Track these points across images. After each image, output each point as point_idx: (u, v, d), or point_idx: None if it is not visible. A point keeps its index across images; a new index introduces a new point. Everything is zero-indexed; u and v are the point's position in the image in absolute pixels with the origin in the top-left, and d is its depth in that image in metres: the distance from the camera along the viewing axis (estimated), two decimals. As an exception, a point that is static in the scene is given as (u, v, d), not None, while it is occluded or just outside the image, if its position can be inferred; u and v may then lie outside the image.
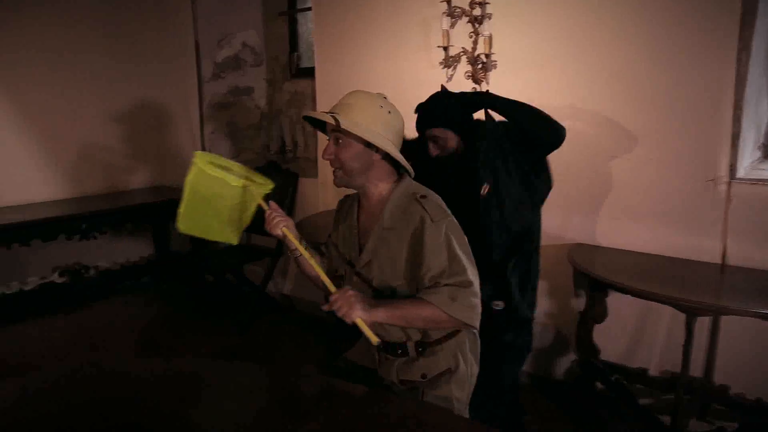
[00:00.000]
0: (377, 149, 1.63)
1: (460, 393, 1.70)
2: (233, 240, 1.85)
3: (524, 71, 3.01)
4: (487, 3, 2.94)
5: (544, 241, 3.04)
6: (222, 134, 4.91)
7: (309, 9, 4.56)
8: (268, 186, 1.80)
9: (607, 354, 2.94)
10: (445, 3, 3.04)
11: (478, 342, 1.79)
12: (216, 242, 4.64)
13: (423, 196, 1.63)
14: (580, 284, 2.97)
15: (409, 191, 1.66)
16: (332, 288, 1.58)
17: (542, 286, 3.07)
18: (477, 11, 3.00)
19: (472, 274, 1.58)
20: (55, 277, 4.39)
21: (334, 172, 1.67)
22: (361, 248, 1.71)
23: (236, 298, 4.42)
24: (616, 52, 2.80)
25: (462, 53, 3.10)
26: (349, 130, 1.57)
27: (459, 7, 3.05)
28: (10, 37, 4.04)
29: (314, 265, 1.68)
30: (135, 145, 4.83)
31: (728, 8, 2.45)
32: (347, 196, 1.88)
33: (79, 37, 4.40)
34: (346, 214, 1.81)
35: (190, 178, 1.76)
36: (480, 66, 3.05)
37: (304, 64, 4.74)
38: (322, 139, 3.99)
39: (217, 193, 1.77)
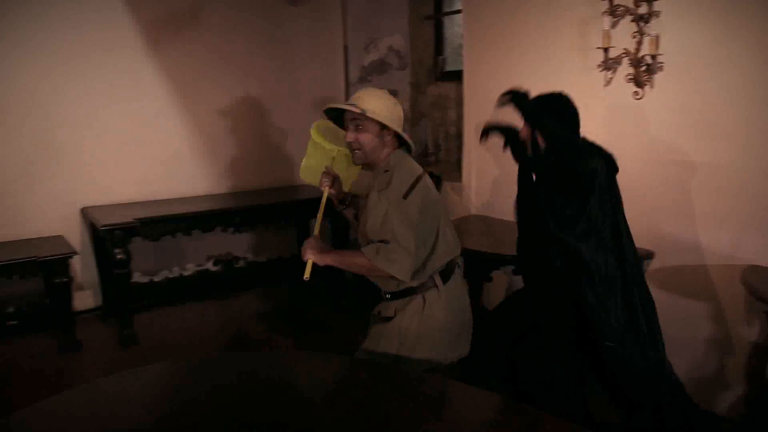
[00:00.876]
0: (388, 130, 2.04)
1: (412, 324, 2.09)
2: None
3: (695, 73, 2.75)
4: (655, 0, 2.74)
5: (710, 260, 2.79)
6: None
7: (455, 12, 4.55)
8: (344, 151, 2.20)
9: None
10: (606, 1, 2.89)
11: (433, 305, 2.08)
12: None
13: (386, 171, 2.03)
14: (753, 310, 2.67)
15: (391, 162, 2.05)
16: (316, 232, 2.11)
17: (705, 308, 2.82)
18: (643, 9, 2.82)
19: (400, 238, 1.93)
20: (210, 265, 4.74)
21: (353, 152, 2.07)
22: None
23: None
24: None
25: (624, 54, 2.93)
26: (372, 117, 1.99)
27: (622, 5, 2.88)
28: (184, 44, 4.42)
29: (319, 217, 2.14)
30: (286, 144, 5.07)
31: None
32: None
33: (245, 42, 4.70)
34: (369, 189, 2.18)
35: (310, 141, 2.30)
36: (644, 68, 2.87)
37: (449, 67, 4.74)
38: (469, 142, 3.95)
39: (324, 153, 2.27)
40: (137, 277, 4.39)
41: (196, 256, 4.70)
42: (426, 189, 2.04)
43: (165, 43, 4.36)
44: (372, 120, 2.01)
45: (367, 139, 2.03)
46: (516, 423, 1.49)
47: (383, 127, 2.03)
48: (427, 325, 2.07)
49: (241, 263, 4.86)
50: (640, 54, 2.86)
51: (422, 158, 4.73)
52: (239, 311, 4.37)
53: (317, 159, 2.31)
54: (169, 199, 4.41)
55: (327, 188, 2.17)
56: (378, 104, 2.03)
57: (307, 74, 5.07)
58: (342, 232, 4.57)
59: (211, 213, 4.15)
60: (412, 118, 5.00)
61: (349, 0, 4.81)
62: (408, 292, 2.08)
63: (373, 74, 5.00)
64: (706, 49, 2.71)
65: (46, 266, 3.51)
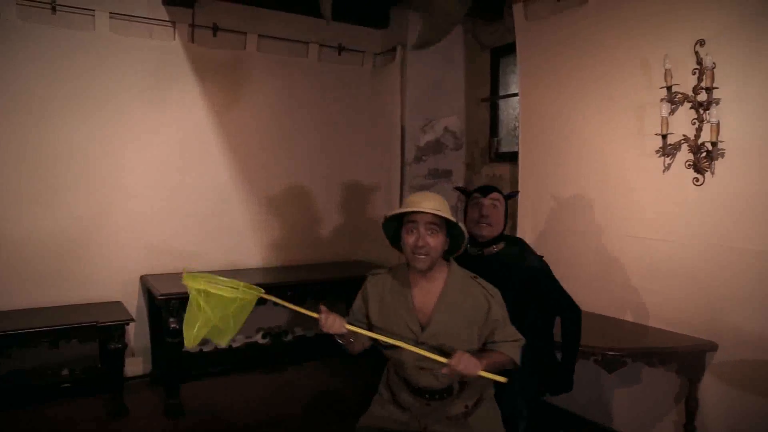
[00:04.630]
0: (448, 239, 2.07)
1: (491, 414, 2.20)
2: (223, 343, 2.17)
3: (757, 161, 2.68)
4: (715, 88, 2.73)
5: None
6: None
7: (511, 96, 4.62)
8: (260, 291, 2.11)
9: None
10: (664, 89, 2.89)
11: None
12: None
13: (474, 277, 2.12)
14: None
15: (461, 272, 2.13)
16: (422, 352, 1.94)
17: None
18: (702, 96, 2.80)
19: (515, 332, 2.10)
20: (258, 338, 4.75)
21: (419, 257, 2.02)
22: (422, 322, 2.09)
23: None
24: None
25: (683, 141, 2.89)
26: (460, 225, 2.03)
27: (681, 93, 2.88)
28: (249, 121, 4.65)
29: (389, 339, 2.01)
30: (339, 221, 5.17)
31: None
32: (376, 276, 2.25)
33: (307, 120, 4.91)
34: (392, 293, 2.16)
35: (190, 299, 1.98)
36: (704, 155, 2.82)
37: (503, 148, 4.77)
38: (523, 223, 3.92)
39: (213, 304, 1.98)
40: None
41: (246, 327, 4.66)
42: None
43: (232, 121, 4.60)
44: (444, 226, 2.03)
45: (439, 243, 2.03)
46: None
47: (448, 232, 2.06)
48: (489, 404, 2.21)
49: (290, 337, 4.86)
50: (700, 141, 2.82)
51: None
52: (286, 385, 4.33)
53: (205, 313, 1.99)
54: (224, 270, 4.50)
55: (347, 325, 2.03)
56: (446, 209, 2.05)
57: (364, 153, 5.22)
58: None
59: (264, 286, 4.17)
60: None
61: (409, 81, 4.97)
62: (476, 382, 2.10)
63: (429, 154, 5.08)
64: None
65: (104, 332, 3.59)
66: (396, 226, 2.13)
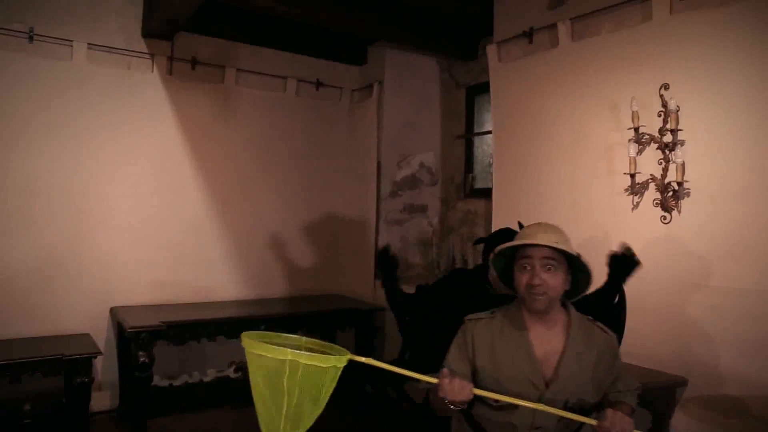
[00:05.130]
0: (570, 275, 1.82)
1: None
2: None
3: (720, 201, 2.77)
4: (680, 130, 2.83)
5: (747, 390, 2.67)
6: (394, 249, 5.07)
7: (486, 133, 4.72)
8: (344, 357, 1.56)
9: None
10: (632, 130, 2.98)
11: None
12: (381, 354, 4.71)
13: (591, 319, 1.90)
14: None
15: (579, 314, 1.89)
16: (561, 413, 1.65)
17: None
18: (668, 137, 2.90)
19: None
20: (230, 372, 4.68)
21: (536, 296, 1.76)
22: (545, 375, 1.79)
23: (395, 414, 4.34)
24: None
25: (650, 180, 2.98)
26: (579, 255, 1.77)
27: (648, 134, 2.98)
28: (225, 154, 4.66)
29: (520, 401, 1.65)
30: (314, 254, 5.16)
31: None
32: (478, 321, 1.91)
33: (283, 154, 4.94)
34: (505, 341, 1.85)
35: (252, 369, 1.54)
36: (671, 194, 2.90)
37: (478, 185, 4.85)
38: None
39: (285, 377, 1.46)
40: (157, 380, 4.32)
41: (218, 361, 4.66)
42: None
43: (209, 153, 4.60)
44: (565, 262, 1.79)
45: (559, 283, 1.78)
46: None
47: (568, 271, 1.81)
48: None
49: (263, 371, 4.79)
50: (666, 180, 2.91)
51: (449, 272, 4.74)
52: (257, 421, 4.24)
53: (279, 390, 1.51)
54: (197, 303, 4.46)
55: (474, 389, 1.69)
56: (568, 244, 1.80)
57: (341, 187, 5.26)
58: (367, 340, 4.55)
59: (237, 319, 4.16)
60: (441, 232, 5.06)
61: (385, 118, 5.05)
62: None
63: (404, 189, 5.13)
64: (731, 178, 2.75)
65: (70, 365, 3.50)
66: (506, 261, 1.86)
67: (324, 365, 1.50)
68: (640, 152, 3.00)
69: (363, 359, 1.61)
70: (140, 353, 3.61)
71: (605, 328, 1.87)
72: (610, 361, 1.83)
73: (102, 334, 4.17)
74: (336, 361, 1.53)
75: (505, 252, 1.83)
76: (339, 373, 1.56)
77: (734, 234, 2.73)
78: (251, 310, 4.42)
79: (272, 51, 4.89)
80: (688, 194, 2.85)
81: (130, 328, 3.61)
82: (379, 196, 5.04)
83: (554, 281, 1.76)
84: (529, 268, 1.77)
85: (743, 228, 2.70)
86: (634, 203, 3.03)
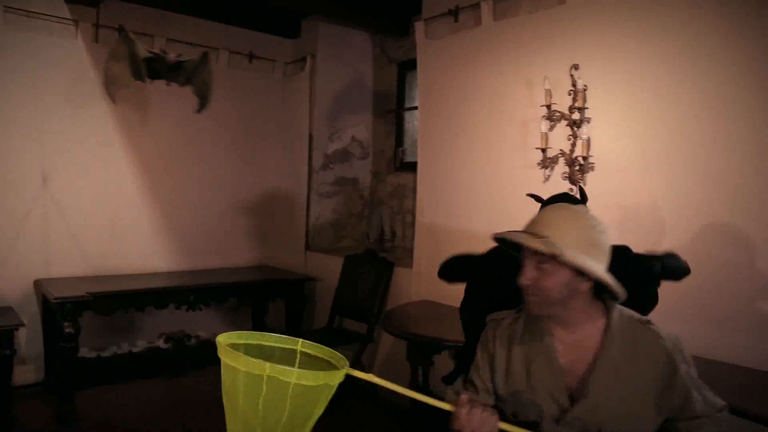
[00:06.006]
0: (588, 278, 1.44)
1: None
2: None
3: (621, 174, 3.01)
4: (586, 108, 3.03)
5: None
6: (326, 221, 5.19)
7: (415, 108, 4.85)
8: (339, 373, 1.31)
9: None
10: (544, 107, 3.16)
11: None
12: (310, 323, 4.81)
13: (646, 321, 1.50)
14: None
15: (627, 316, 1.51)
16: None
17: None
18: (576, 115, 3.09)
19: (720, 401, 1.48)
20: (161, 343, 4.69)
21: (527, 297, 1.49)
22: (572, 390, 1.48)
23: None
24: (718, 158, 2.75)
25: (560, 155, 3.17)
26: (568, 261, 1.39)
27: (558, 112, 3.16)
28: (151, 125, 4.61)
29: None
30: (246, 227, 5.20)
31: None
32: (500, 321, 1.63)
33: (212, 122, 4.91)
34: (525, 346, 1.55)
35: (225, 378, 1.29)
36: (577, 168, 3.10)
37: (408, 158, 4.99)
38: (420, 230, 4.11)
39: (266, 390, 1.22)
40: (85, 352, 4.32)
41: (147, 332, 4.67)
42: None
43: (132, 123, 4.54)
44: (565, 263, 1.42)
45: (554, 285, 1.44)
46: None
47: (581, 272, 1.43)
48: None
49: (193, 342, 4.82)
50: (574, 155, 3.11)
51: (378, 244, 4.88)
52: (186, 390, 4.30)
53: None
54: (125, 275, 4.44)
55: (501, 423, 1.43)
56: (575, 236, 1.43)
57: (273, 159, 5.29)
58: (297, 310, 4.67)
59: (165, 290, 4.18)
60: (371, 205, 5.19)
61: (318, 91, 5.09)
62: None
63: (336, 162, 5.22)
64: (633, 152, 2.99)
65: (-11, 338, 3.47)
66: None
67: (313, 383, 1.24)
68: (551, 128, 3.18)
69: (363, 375, 1.39)
70: (65, 324, 3.59)
71: (664, 333, 1.46)
72: (668, 377, 1.42)
73: (26, 308, 4.10)
74: (327, 378, 1.27)
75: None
76: (333, 391, 1.31)
77: (633, 204, 2.97)
78: (181, 281, 4.44)
79: (204, 21, 4.85)
80: (592, 168, 3.06)
81: (54, 299, 3.58)
82: (310, 169, 5.11)
83: (548, 282, 1.43)
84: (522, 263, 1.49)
85: (642, 198, 2.94)
86: (546, 176, 3.22)
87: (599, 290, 1.49)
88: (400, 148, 5.03)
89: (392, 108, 5.09)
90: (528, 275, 1.46)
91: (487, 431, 1.39)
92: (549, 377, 1.50)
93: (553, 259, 1.41)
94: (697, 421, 1.42)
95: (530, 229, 1.49)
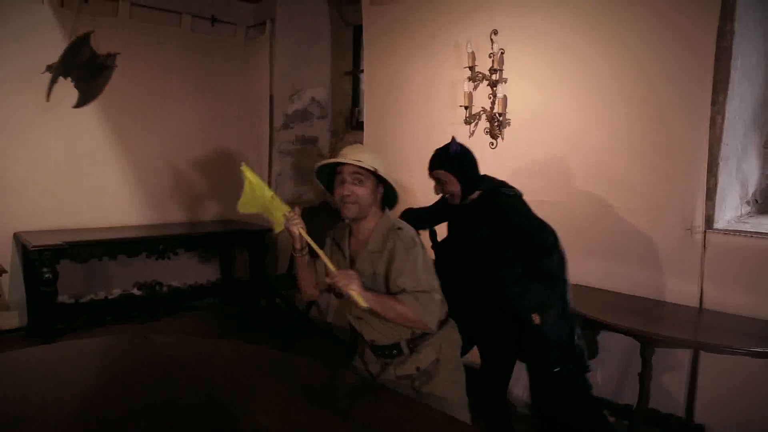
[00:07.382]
0: (382, 187, 2.09)
1: (450, 377, 2.14)
2: (277, 228, 2.20)
3: (533, 129, 3.40)
4: (502, 69, 3.40)
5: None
6: (287, 177, 5.54)
7: (368, 70, 5.18)
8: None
9: (597, 390, 3.14)
10: (468, 69, 3.52)
11: (456, 336, 2.22)
12: (273, 270, 5.19)
13: (399, 228, 2.09)
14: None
15: (389, 223, 2.11)
16: (333, 268, 2.02)
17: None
18: (495, 76, 3.46)
19: (429, 288, 2.04)
20: (134, 290, 5.08)
21: (347, 206, 2.05)
22: (354, 262, 2.14)
23: (283, 321, 4.93)
24: (613, 113, 3.14)
25: (482, 112, 3.55)
26: (376, 170, 2.02)
27: (480, 72, 3.52)
28: (120, 83, 4.87)
29: (321, 254, 2.08)
30: (212, 182, 5.55)
31: (701, 79, 2.77)
32: (336, 227, 2.30)
33: (177, 84, 5.23)
34: (339, 240, 2.23)
35: (249, 176, 2.21)
36: (496, 123, 3.49)
37: (363, 118, 5.32)
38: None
39: (259, 194, 2.19)
40: (64, 299, 4.68)
41: (122, 281, 5.05)
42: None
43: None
44: (372, 176, 2.05)
45: (367, 193, 2.04)
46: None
47: (377, 184, 2.08)
48: (448, 366, 2.16)
49: (165, 290, 5.22)
50: (494, 111, 3.49)
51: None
52: (160, 334, 4.68)
53: (252, 197, 2.23)
54: (100, 228, 4.80)
55: (300, 229, 2.08)
56: (373, 159, 2.06)
57: (235, 118, 5.62)
58: (259, 258, 5.05)
59: (136, 239, 4.55)
60: (331, 162, 5.54)
61: (277, 54, 5.39)
62: (423, 339, 2.11)
63: (296, 122, 5.55)
64: (544, 108, 3.37)
65: (-27, 284, 3.83)
66: (330, 178, 2.15)
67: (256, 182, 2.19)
68: (475, 88, 3.55)
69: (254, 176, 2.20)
70: (44, 269, 3.97)
71: (403, 236, 2.05)
72: (398, 257, 2.02)
73: (7, 259, 4.45)
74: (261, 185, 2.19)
75: (324, 170, 2.15)
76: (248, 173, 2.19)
77: (543, 154, 3.37)
78: (150, 232, 4.81)
79: (167, -15, 5.08)
80: (509, 123, 3.45)
81: (33, 247, 3.95)
82: (272, 128, 5.44)
83: (362, 192, 2.03)
84: (341, 181, 2.06)
85: (550, 149, 3.34)
86: (471, 131, 3.60)
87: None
88: (356, 108, 5.36)
89: (349, 70, 5.40)
90: (347, 188, 2.04)
91: (293, 229, 2.06)
92: (342, 261, 2.16)
93: (369, 173, 2.03)
94: (402, 295, 2.00)
95: (346, 157, 2.06)
